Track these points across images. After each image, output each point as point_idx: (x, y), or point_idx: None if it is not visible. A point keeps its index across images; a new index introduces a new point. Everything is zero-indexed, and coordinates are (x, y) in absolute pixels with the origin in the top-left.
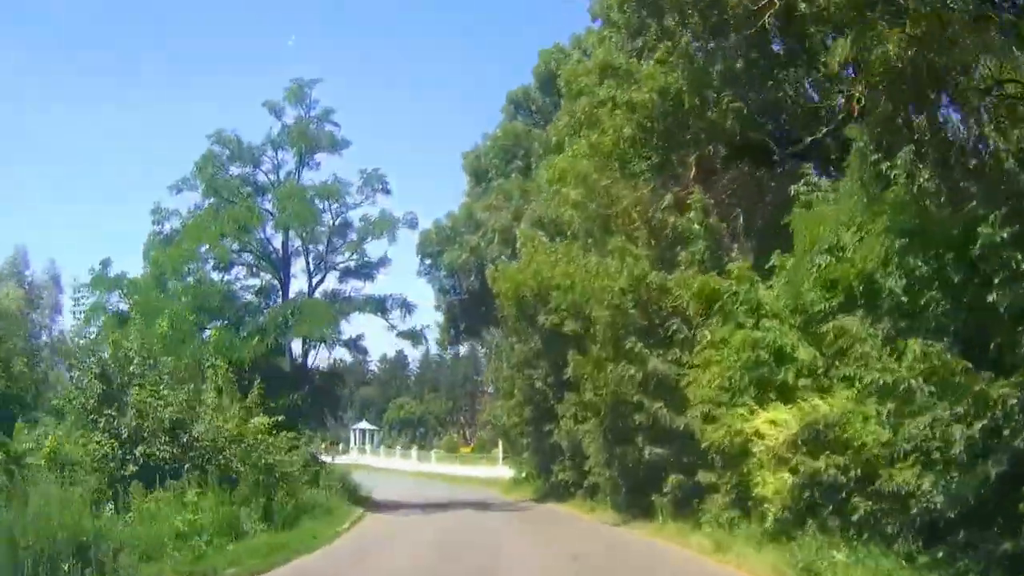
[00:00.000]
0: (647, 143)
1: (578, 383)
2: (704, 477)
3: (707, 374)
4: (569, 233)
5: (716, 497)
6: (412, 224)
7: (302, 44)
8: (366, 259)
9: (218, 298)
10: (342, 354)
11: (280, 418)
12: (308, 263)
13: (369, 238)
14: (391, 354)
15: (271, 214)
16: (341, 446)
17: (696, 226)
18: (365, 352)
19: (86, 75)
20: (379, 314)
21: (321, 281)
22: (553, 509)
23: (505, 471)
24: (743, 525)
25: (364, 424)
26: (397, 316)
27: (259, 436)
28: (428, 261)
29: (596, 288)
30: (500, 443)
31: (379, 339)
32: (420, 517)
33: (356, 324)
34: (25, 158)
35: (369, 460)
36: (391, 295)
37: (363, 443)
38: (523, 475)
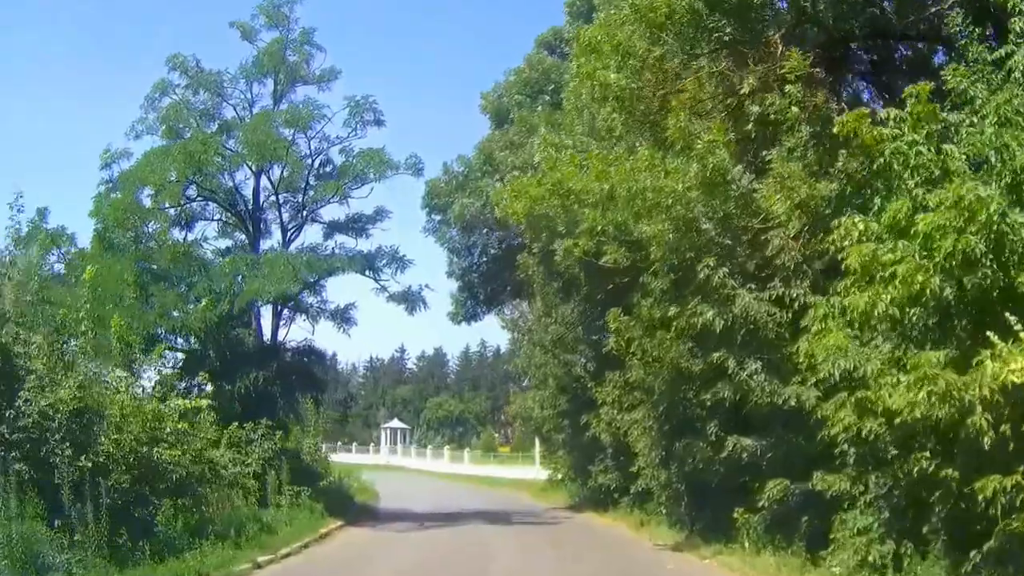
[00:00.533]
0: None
1: (621, 356)
2: (829, 482)
3: (853, 303)
4: (606, 133)
5: (852, 516)
6: (416, 169)
7: None
8: (359, 213)
9: (167, 256)
10: (327, 329)
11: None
12: (280, 211)
13: (357, 181)
14: (429, 351)
15: (242, 159)
16: (372, 446)
17: (794, 108)
18: (352, 323)
19: None
20: (368, 273)
21: (297, 234)
22: (590, 522)
23: (542, 473)
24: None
25: (396, 423)
26: (393, 277)
27: (159, 421)
28: (437, 217)
29: (649, 195)
30: (537, 441)
31: (406, 330)
32: (411, 536)
33: (348, 291)
34: None
35: (399, 460)
36: (381, 247)
37: (394, 442)
38: (558, 477)
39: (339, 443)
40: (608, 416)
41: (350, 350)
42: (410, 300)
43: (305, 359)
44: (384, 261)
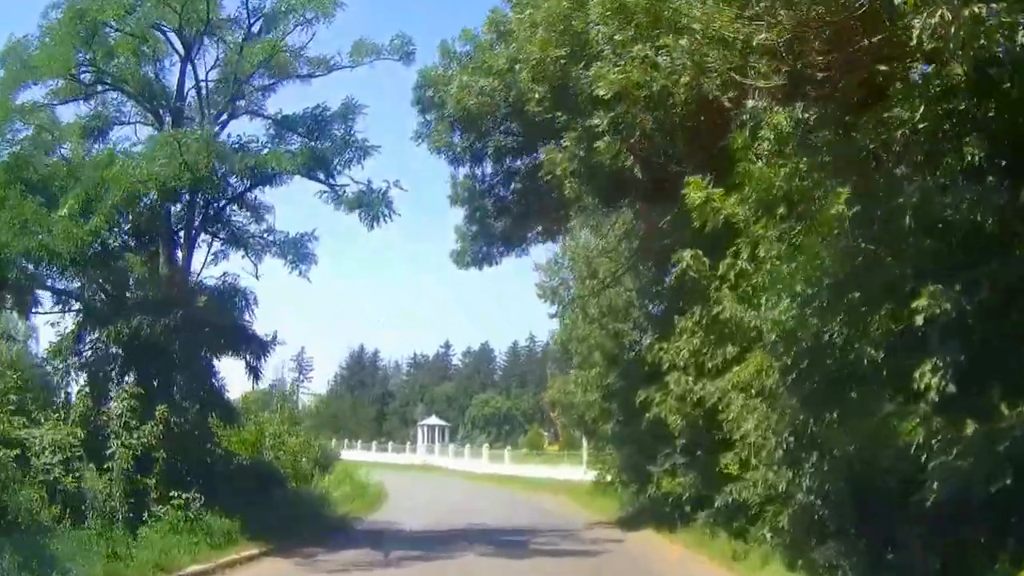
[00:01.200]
0: None
1: (703, 280)
2: None
3: None
4: None
5: None
6: (405, 54)
7: None
8: (320, 106)
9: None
10: (279, 272)
11: None
12: (204, 102)
13: (321, 68)
14: (475, 346)
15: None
16: (408, 445)
17: None
18: (311, 261)
19: None
20: (319, 176)
21: (226, 123)
22: (649, 550)
23: (590, 474)
24: None
25: (433, 419)
26: (347, 170)
27: None
28: (431, 115)
29: None
30: (584, 438)
31: (452, 326)
32: None
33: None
34: None
35: (437, 460)
36: (335, 140)
37: (431, 441)
38: (607, 478)
39: (374, 443)
40: (681, 386)
41: (393, 347)
42: (368, 204)
43: (229, 304)
44: (339, 157)
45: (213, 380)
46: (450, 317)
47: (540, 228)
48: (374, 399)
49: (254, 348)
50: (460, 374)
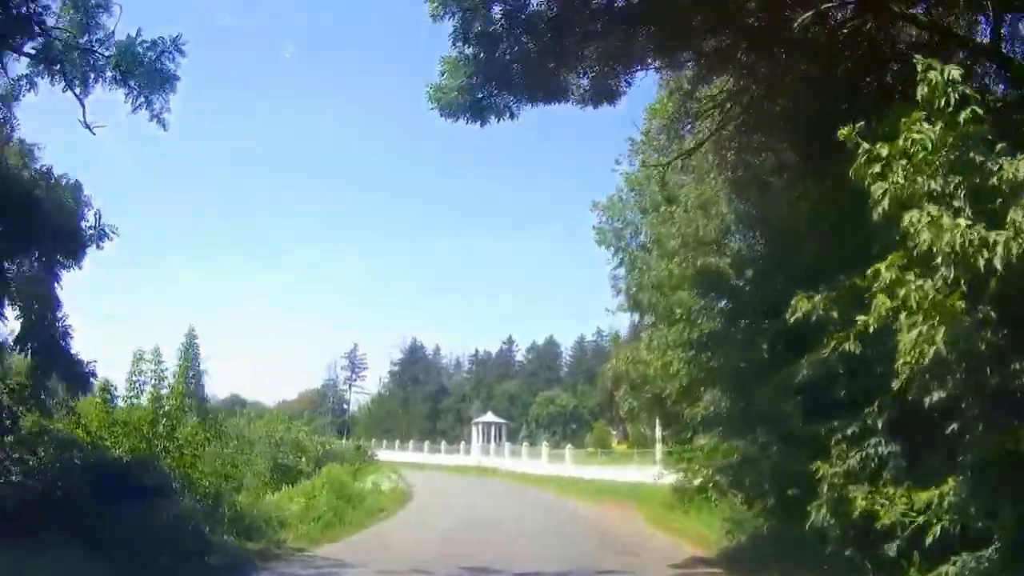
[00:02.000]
0: None
1: None
2: None
3: None
4: None
5: None
6: None
7: None
8: None
9: None
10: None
11: None
12: None
13: None
14: (540, 341)
15: None
16: (462, 445)
17: None
18: (173, 83)
19: None
20: None
21: None
22: None
23: (668, 476)
24: None
25: (489, 416)
26: None
27: None
28: None
29: None
30: (658, 429)
31: (516, 321)
32: None
33: None
34: None
35: (493, 461)
36: None
37: (487, 440)
38: (695, 483)
39: (426, 443)
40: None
41: (454, 343)
42: None
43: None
44: None
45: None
46: (515, 311)
47: (593, 69)
48: (427, 396)
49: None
50: (524, 371)
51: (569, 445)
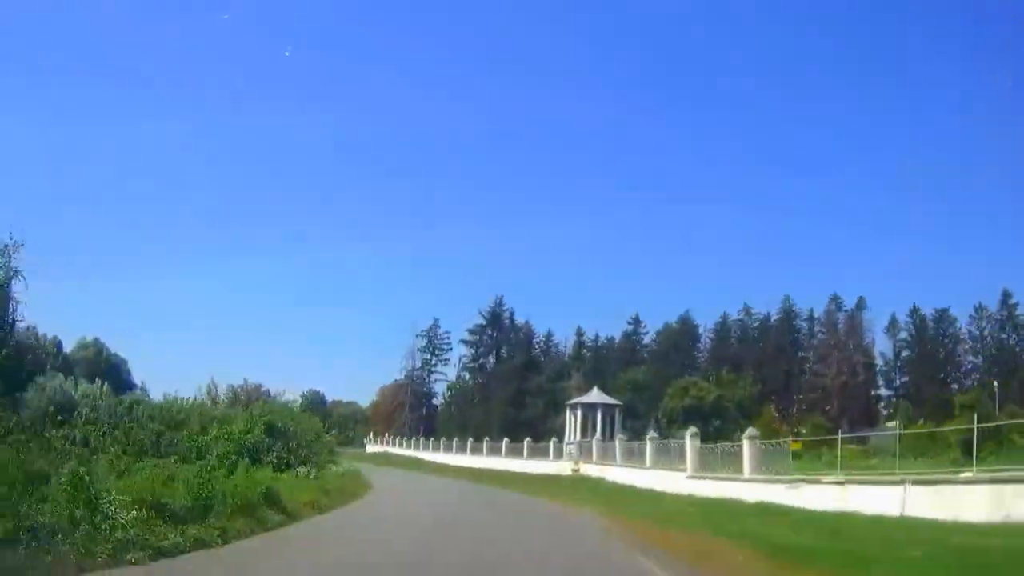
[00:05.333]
0: None
1: None
2: None
3: None
4: None
5: None
6: None
7: None
8: None
9: None
10: None
11: None
12: None
13: None
14: (672, 319)
15: None
16: (553, 443)
17: None
18: None
19: None
20: None
21: None
22: None
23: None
24: None
25: (595, 395)
26: None
27: None
28: None
29: None
30: None
31: (642, 300)
32: None
33: None
34: None
35: (597, 469)
36: None
37: (591, 430)
38: None
39: (504, 442)
40: None
41: (566, 323)
42: None
43: None
44: None
45: None
46: (639, 289)
47: None
48: (511, 374)
49: None
50: (653, 356)
51: (746, 439)
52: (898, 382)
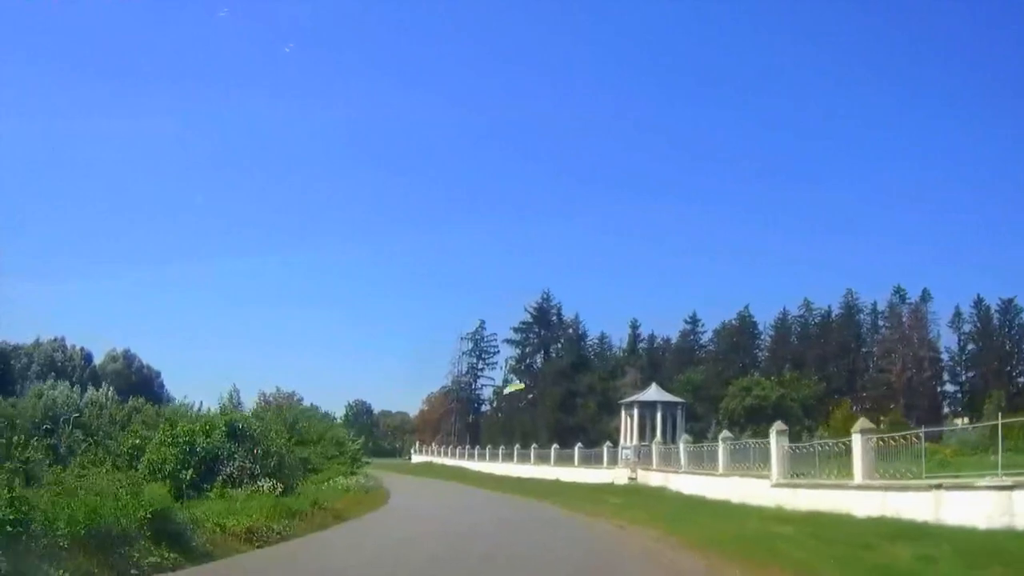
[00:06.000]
0: None
1: None
2: None
3: None
4: None
5: None
6: None
7: None
8: None
9: None
10: None
11: None
12: None
13: None
14: (730, 316)
15: None
16: (606, 448)
17: None
18: None
19: None
20: None
21: None
22: None
23: None
24: None
25: (653, 392)
26: None
27: None
28: None
29: None
30: None
31: (697, 298)
32: None
33: None
34: None
35: (658, 477)
36: None
37: (649, 432)
38: None
39: (553, 449)
40: None
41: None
42: None
43: None
44: None
45: None
46: (694, 288)
47: None
48: (559, 374)
49: None
50: (712, 356)
51: (858, 433)
52: (963, 377)
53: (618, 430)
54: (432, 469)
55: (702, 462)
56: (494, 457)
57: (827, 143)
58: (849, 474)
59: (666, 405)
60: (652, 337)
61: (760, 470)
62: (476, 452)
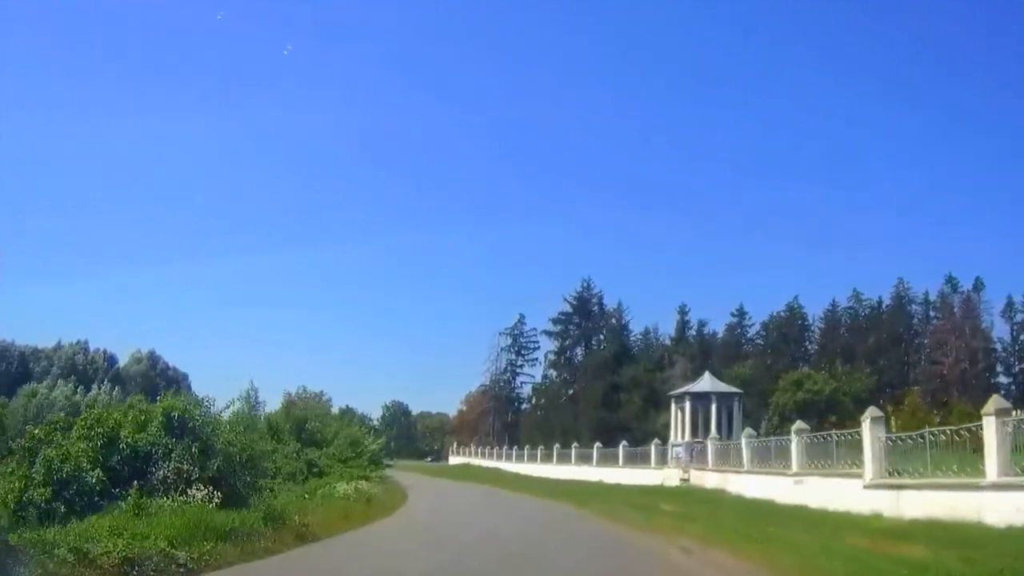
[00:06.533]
0: None
1: None
2: None
3: None
4: None
5: None
6: None
7: None
8: None
9: None
10: None
11: None
12: None
13: None
14: (778, 307)
15: None
16: (654, 446)
17: None
18: None
19: None
20: None
21: None
22: None
23: None
24: None
25: (706, 382)
26: None
27: None
28: None
29: None
30: None
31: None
32: None
33: None
34: None
35: (715, 475)
36: None
37: (702, 427)
38: None
39: (595, 448)
40: None
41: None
42: None
43: None
44: None
45: None
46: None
47: None
48: (602, 366)
49: None
50: (759, 350)
51: (991, 415)
52: (1016, 368)
53: (667, 426)
54: (467, 471)
55: (769, 459)
56: (532, 458)
57: (875, 128)
58: (977, 470)
59: (721, 397)
60: (702, 324)
61: (847, 468)
62: (514, 453)
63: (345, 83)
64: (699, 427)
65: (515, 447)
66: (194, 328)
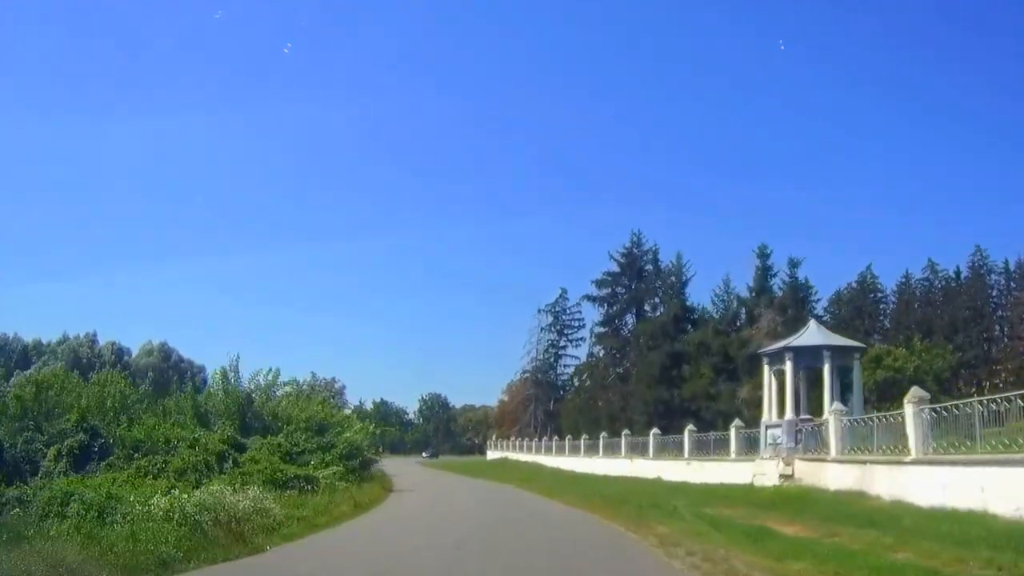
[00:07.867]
0: None
1: None
2: None
3: None
4: None
5: None
6: None
7: None
8: None
9: None
10: None
11: None
12: None
13: None
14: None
15: None
16: (734, 429)
17: None
18: None
19: None
20: None
21: None
22: None
23: None
24: None
25: (814, 333)
26: None
27: None
28: None
29: None
30: None
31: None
32: None
33: None
34: None
35: (820, 471)
36: None
37: (796, 410)
38: None
39: (651, 436)
40: None
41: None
42: None
43: None
44: None
45: None
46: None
47: None
48: (659, 332)
49: None
50: (829, 326)
51: None
52: None
53: (747, 404)
54: (502, 467)
55: (953, 440)
56: (575, 450)
57: (952, 96)
58: None
59: (836, 352)
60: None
61: None
62: (554, 444)
63: (369, 84)
64: (800, 401)
65: (555, 438)
66: (222, 325)
